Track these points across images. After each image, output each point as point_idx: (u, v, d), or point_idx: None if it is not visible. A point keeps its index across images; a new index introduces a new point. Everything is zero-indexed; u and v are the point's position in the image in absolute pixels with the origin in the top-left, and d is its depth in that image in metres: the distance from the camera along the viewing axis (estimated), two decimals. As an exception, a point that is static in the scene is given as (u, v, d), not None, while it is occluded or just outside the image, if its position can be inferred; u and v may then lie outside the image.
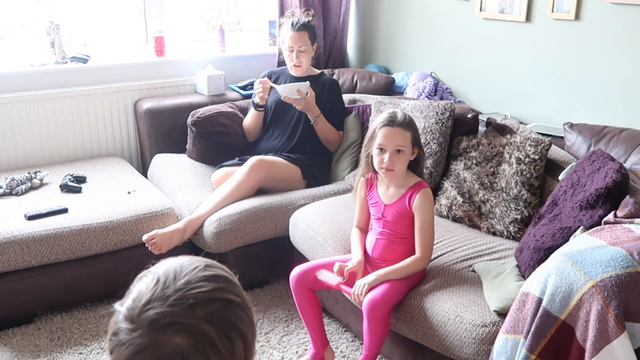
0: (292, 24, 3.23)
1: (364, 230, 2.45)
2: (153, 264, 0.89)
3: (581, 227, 2.06)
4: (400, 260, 2.28)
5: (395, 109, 2.50)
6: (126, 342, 0.80)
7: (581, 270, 1.70)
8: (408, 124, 2.26)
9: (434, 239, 2.34)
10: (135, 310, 0.81)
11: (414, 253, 2.30)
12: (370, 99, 3.47)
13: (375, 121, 2.30)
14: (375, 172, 2.36)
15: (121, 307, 0.84)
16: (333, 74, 3.79)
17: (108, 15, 3.86)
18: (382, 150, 2.25)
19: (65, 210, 2.81)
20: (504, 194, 2.61)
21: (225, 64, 3.90)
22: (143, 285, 0.84)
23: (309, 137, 3.24)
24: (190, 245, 2.92)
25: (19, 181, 3.03)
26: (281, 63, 3.66)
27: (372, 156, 2.31)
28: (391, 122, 2.24)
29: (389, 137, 2.23)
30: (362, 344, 2.38)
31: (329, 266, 2.36)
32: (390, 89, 3.76)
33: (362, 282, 2.21)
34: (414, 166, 2.33)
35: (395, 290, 2.21)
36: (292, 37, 3.21)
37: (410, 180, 2.32)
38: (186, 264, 0.86)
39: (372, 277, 2.22)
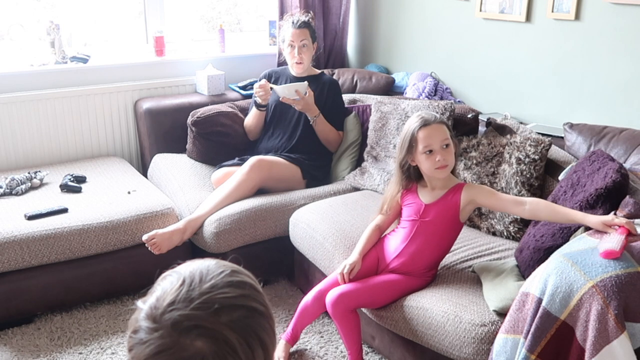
0: (293, 22, 3.25)
1: (383, 230, 2.41)
2: (179, 264, 0.88)
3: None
4: (418, 273, 2.27)
5: (419, 112, 2.41)
6: (147, 341, 0.78)
7: (581, 270, 1.70)
8: (440, 119, 2.23)
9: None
10: (158, 310, 0.80)
11: (437, 264, 2.31)
12: (370, 99, 3.47)
13: (406, 128, 2.23)
14: (416, 183, 2.31)
15: (144, 305, 0.82)
16: (333, 74, 3.79)
17: (108, 15, 3.86)
18: (430, 151, 2.18)
19: (65, 210, 2.81)
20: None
21: (225, 64, 3.90)
22: (168, 284, 0.83)
23: (309, 137, 3.24)
24: (190, 245, 2.92)
25: (19, 181, 3.03)
26: (281, 63, 3.67)
27: (411, 166, 2.26)
28: (426, 121, 2.20)
29: (432, 135, 2.18)
30: (362, 344, 2.40)
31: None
32: (390, 89, 3.76)
33: None
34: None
35: (362, 292, 2.23)
36: (293, 33, 3.22)
37: (452, 181, 2.28)
38: (213, 268, 0.85)
39: None
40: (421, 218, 2.27)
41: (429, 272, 2.30)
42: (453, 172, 2.31)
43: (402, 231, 2.33)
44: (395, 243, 2.33)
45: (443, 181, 2.26)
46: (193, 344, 0.77)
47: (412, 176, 2.30)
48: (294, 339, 2.48)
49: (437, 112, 2.89)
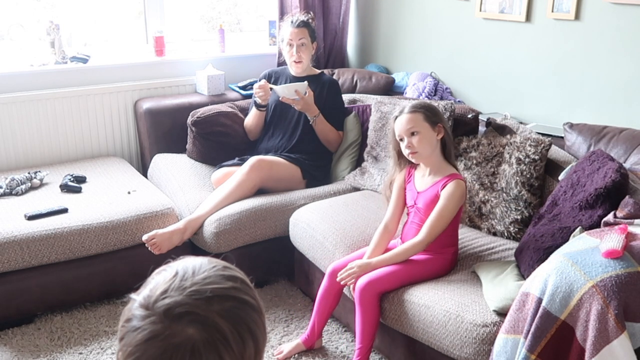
0: (292, 22, 3.26)
1: (391, 231, 2.44)
2: (173, 259, 0.90)
3: (579, 228, 2.06)
4: (429, 253, 2.32)
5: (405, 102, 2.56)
6: (139, 328, 0.79)
7: (581, 270, 1.70)
8: (416, 107, 2.34)
9: (442, 230, 2.31)
10: (151, 298, 0.81)
11: (449, 241, 2.36)
12: (370, 99, 3.47)
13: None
14: (412, 165, 2.43)
15: (137, 296, 0.84)
16: (333, 74, 3.79)
17: (108, 15, 3.86)
18: (402, 140, 2.34)
19: (65, 210, 2.81)
20: (504, 194, 2.61)
21: (225, 64, 3.90)
22: (161, 277, 0.85)
23: (309, 137, 3.24)
24: (190, 246, 2.92)
25: (19, 181, 3.03)
26: (281, 63, 3.67)
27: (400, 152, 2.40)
28: (400, 112, 2.36)
29: (400, 124, 2.34)
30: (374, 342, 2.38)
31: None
32: (390, 89, 3.77)
33: (355, 264, 2.31)
34: (446, 151, 2.37)
35: (391, 275, 2.27)
36: (291, 32, 3.23)
37: (446, 169, 2.36)
38: (205, 263, 0.87)
39: (365, 265, 2.30)
40: (415, 204, 2.38)
41: (445, 249, 2.35)
42: (449, 158, 2.38)
43: (408, 223, 2.44)
44: (406, 230, 2.44)
45: (435, 167, 2.36)
46: (184, 330, 0.78)
47: (402, 159, 2.43)
48: (309, 340, 2.51)
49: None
